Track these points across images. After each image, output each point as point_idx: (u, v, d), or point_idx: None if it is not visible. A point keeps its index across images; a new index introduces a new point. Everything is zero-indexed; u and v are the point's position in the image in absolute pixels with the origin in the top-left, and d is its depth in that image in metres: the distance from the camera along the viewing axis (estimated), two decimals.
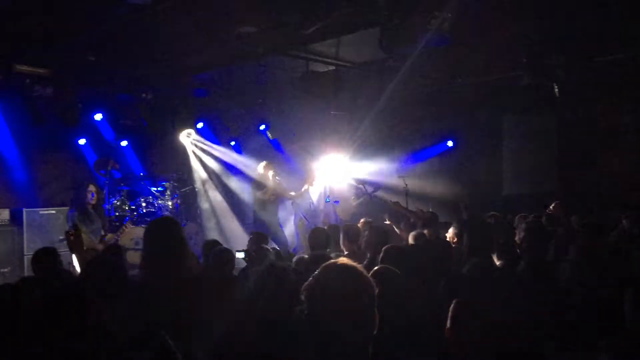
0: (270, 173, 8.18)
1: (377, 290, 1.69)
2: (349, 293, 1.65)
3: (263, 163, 8.48)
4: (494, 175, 10.76)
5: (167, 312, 2.42)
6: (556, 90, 7.14)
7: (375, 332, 1.67)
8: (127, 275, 3.10)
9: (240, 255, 5.16)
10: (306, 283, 1.70)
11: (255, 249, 5.17)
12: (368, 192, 8.43)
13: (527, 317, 2.65)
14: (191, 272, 2.64)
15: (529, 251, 4.23)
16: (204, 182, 10.94)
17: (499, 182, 10.73)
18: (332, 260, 1.76)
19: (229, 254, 4.64)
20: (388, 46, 4.92)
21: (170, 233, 2.59)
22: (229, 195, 11.27)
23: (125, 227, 7.26)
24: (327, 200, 10.10)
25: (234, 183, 11.38)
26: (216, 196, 11.18)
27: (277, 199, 8.32)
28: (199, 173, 10.98)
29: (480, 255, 3.78)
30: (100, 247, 6.31)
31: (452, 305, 2.42)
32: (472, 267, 3.10)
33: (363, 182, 8.82)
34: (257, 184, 8.27)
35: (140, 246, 7.86)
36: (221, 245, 5.18)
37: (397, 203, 7.40)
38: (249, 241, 5.77)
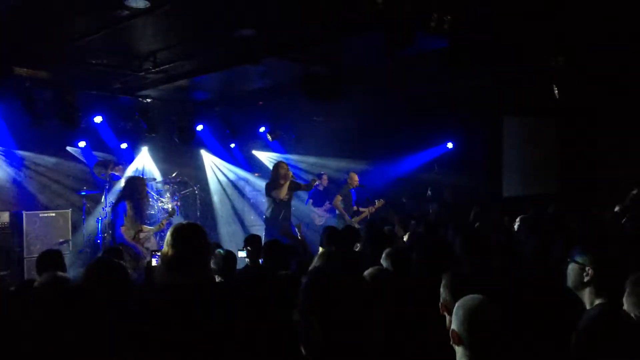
0: (284, 171, 8.04)
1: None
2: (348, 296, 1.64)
3: (277, 163, 8.36)
4: (494, 177, 10.75)
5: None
6: (556, 91, 7.13)
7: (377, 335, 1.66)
8: (129, 278, 3.10)
9: (242, 254, 5.19)
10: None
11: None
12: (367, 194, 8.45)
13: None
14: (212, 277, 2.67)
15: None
16: (204, 185, 10.94)
17: (498, 184, 10.72)
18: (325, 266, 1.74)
19: (231, 257, 4.67)
20: (388, 48, 4.92)
21: (200, 237, 2.64)
22: (229, 197, 11.27)
23: (161, 224, 7.34)
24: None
25: (233, 186, 11.39)
26: (216, 198, 11.18)
27: (290, 198, 8.22)
28: (200, 176, 10.99)
29: (477, 259, 3.75)
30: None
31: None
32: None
33: (362, 185, 8.83)
34: (272, 185, 8.10)
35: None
36: (222, 247, 5.18)
37: None
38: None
